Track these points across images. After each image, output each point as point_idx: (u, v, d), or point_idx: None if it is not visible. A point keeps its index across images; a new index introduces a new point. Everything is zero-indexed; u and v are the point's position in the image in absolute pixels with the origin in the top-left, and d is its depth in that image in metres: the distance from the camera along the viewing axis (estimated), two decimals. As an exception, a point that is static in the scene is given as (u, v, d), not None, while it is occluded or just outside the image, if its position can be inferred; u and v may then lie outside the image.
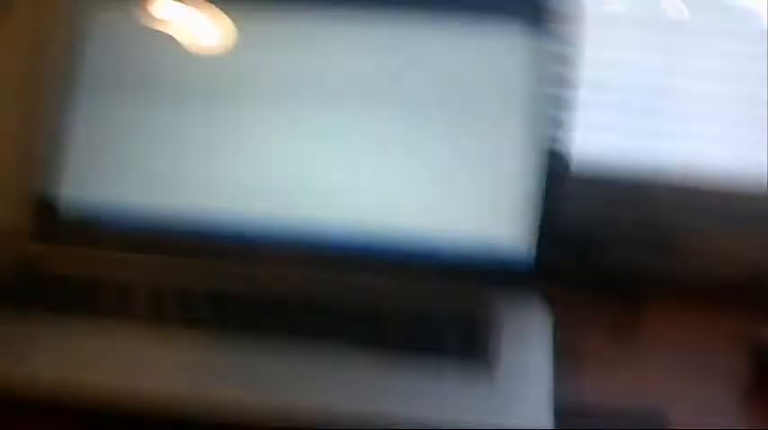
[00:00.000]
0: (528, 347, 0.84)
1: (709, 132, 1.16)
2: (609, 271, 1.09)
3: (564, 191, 0.96)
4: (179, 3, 1.03)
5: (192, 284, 0.93)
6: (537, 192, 0.94)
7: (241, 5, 1.02)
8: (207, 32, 1.01)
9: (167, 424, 0.75)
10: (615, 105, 1.17)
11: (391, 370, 0.79)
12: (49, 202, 1.00)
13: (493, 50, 0.97)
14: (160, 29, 1.02)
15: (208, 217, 0.97)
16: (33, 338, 0.83)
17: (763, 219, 1.14)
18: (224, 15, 1.02)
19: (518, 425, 0.72)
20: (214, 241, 0.97)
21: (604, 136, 1.15)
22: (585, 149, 1.12)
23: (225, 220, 0.97)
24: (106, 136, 1.01)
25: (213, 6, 1.02)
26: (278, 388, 0.76)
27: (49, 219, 1.00)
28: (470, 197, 0.95)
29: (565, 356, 0.86)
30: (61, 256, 0.96)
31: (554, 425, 0.72)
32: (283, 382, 0.77)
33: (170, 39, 1.02)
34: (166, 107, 1.00)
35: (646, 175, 1.15)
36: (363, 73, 0.99)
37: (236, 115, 0.99)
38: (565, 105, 0.98)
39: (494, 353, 0.81)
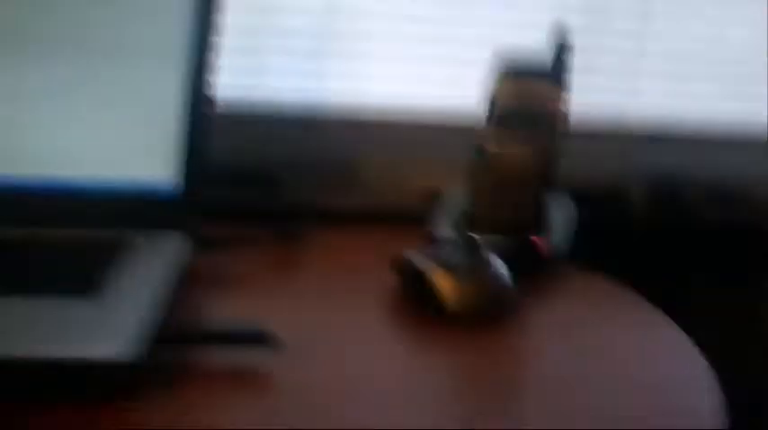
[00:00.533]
0: (148, 279, 0.84)
1: (375, 71, 1.26)
2: (272, 203, 1.17)
3: (213, 128, 1.00)
4: None
5: None
6: (186, 131, 0.97)
7: None
8: None
9: None
10: (277, 48, 1.24)
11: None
12: None
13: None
14: None
15: None
16: None
17: (432, 148, 1.23)
18: None
19: (85, 353, 0.70)
20: None
21: (261, 77, 1.24)
22: (239, 90, 1.22)
23: None
24: None
25: None
26: None
27: None
28: (118, 138, 0.97)
29: (209, 287, 0.91)
30: None
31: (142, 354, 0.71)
32: None
33: None
34: None
35: (312, 112, 1.24)
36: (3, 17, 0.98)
37: None
38: (214, 48, 1.00)
39: (108, 287, 0.81)
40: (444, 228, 1.03)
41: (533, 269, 0.99)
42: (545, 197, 1.03)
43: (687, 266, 1.31)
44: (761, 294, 1.33)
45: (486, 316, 0.87)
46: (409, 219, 1.07)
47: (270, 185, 1.21)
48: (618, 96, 1.30)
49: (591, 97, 1.27)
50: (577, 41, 1.03)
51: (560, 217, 1.06)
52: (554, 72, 1.02)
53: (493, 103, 1.02)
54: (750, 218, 1.30)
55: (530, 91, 1.01)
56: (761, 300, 1.33)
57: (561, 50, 1.02)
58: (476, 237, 0.95)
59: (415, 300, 0.90)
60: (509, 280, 0.90)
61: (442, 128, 1.24)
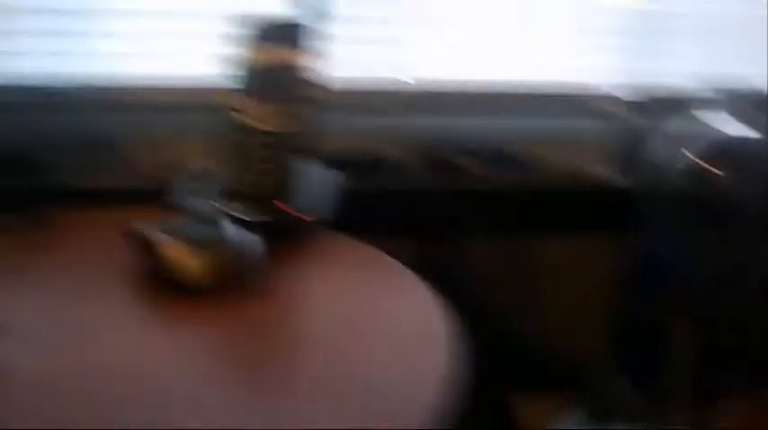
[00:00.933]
0: None
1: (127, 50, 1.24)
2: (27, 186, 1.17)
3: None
4: None
5: None
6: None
7: None
8: None
9: None
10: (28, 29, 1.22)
11: None
12: None
13: None
14: None
15: None
16: None
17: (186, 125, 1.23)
18: None
19: None
20: None
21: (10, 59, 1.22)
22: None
23: None
24: None
25: None
26: None
27: None
28: None
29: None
30: None
31: None
32: None
33: None
34: None
35: (65, 93, 1.22)
36: None
37: None
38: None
39: None
40: (189, 201, 1.00)
41: (286, 237, 0.98)
42: (297, 165, 1.02)
43: (462, 226, 1.34)
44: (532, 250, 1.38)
45: (223, 286, 0.86)
46: (165, 197, 1.04)
47: (25, 169, 1.18)
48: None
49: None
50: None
51: (318, 184, 1.05)
52: (305, 39, 1.00)
53: (241, 72, 1.00)
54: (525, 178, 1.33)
55: (278, 58, 0.99)
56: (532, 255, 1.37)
57: (313, 18, 1.01)
58: (216, 206, 0.95)
59: (158, 276, 0.88)
60: (250, 249, 0.89)
61: (196, 105, 1.20)
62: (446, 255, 1.35)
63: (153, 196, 1.05)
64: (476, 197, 1.31)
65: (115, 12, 1.22)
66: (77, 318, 0.81)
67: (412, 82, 1.30)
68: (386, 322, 0.84)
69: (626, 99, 1.31)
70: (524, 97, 1.35)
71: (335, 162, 1.12)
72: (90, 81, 1.22)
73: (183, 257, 0.85)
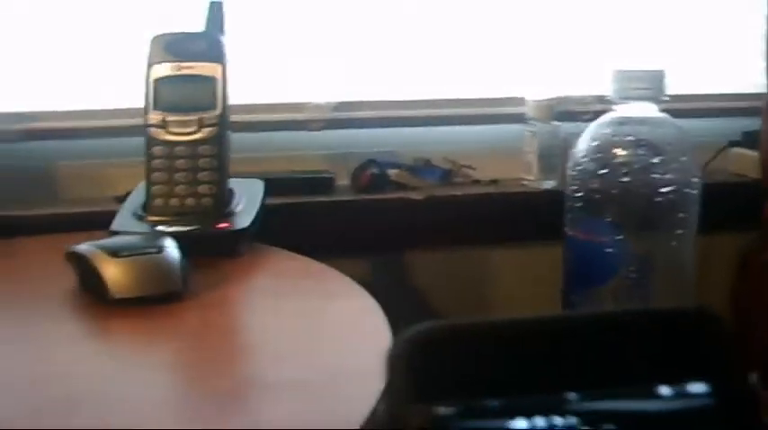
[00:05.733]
0: None
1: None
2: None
3: None
4: None
5: None
6: None
7: None
8: None
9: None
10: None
11: None
12: None
13: None
14: None
15: None
16: None
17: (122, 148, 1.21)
18: None
19: None
20: None
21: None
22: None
23: None
24: None
25: None
26: None
27: None
28: None
29: None
30: None
31: None
32: None
33: None
34: None
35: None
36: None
37: None
38: None
39: None
40: (124, 221, 1.01)
41: (220, 252, 0.99)
42: (225, 180, 1.02)
43: (399, 239, 1.34)
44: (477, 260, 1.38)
45: (156, 297, 0.85)
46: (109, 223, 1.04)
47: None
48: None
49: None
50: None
51: (244, 196, 1.05)
52: (214, 51, 1.02)
53: (155, 90, 1.01)
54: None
55: (191, 72, 1.01)
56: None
57: (220, 30, 1.03)
58: (146, 222, 0.97)
59: (90, 291, 0.88)
60: (181, 260, 0.88)
61: (118, 127, 1.23)
62: (392, 271, 1.36)
63: (86, 221, 1.06)
64: (409, 209, 1.31)
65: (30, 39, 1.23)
66: (11, 333, 0.81)
67: (332, 96, 1.32)
68: (323, 326, 0.84)
69: (549, 105, 1.34)
70: (448, 105, 1.38)
71: (260, 177, 1.12)
72: (19, 108, 1.23)
73: (112, 269, 0.85)
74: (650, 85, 0.89)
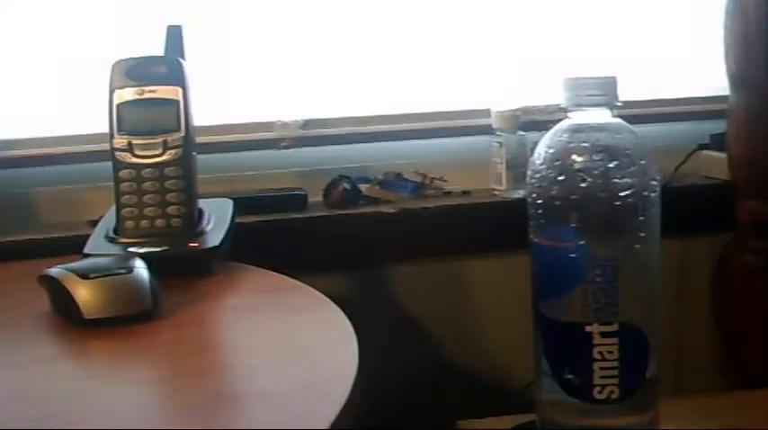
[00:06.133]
0: None
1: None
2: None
3: None
4: None
5: None
6: None
7: None
8: None
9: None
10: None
11: None
12: None
13: None
14: None
15: None
16: None
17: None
18: None
19: None
20: None
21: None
22: None
23: None
24: None
25: None
26: None
27: None
28: None
29: None
30: None
31: None
32: None
33: None
34: None
35: None
36: None
37: None
38: None
39: None
40: (96, 244, 1.03)
41: (192, 271, 1.00)
42: (193, 200, 1.04)
43: (375, 253, 1.36)
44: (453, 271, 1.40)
45: (124, 320, 0.87)
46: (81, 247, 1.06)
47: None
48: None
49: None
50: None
51: (213, 215, 1.07)
52: (175, 74, 1.03)
53: (118, 115, 1.03)
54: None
55: (153, 96, 1.02)
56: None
57: (180, 54, 1.05)
58: (122, 246, 0.98)
59: (62, 313, 0.89)
60: (152, 280, 0.89)
61: (87, 152, 1.26)
62: (367, 285, 1.37)
63: (62, 246, 1.08)
64: (382, 222, 1.33)
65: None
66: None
67: (300, 113, 1.34)
68: (292, 339, 0.85)
69: (514, 115, 1.36)
70: (417, 119, 1.40)
71: (232, 197, 1.14)
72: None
73: (83, 291, 0.86)
74: (603, 91, 0.90)
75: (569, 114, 0.92)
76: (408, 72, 1.38)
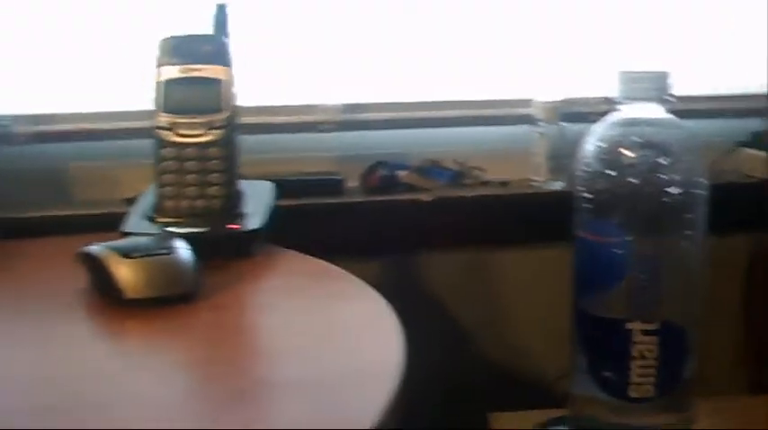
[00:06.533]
0: None
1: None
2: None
3: None
4: None
5: None
6: None
7: None
8: None
9: None
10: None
11: None
12: None
13: None
14: None
15: None
16: None
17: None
18: None
19: None
20: None
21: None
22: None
23: None
24: None
25: None
26: None
27: None
28: None
29: None
30: None
31: None
32: None
33: None
34: None
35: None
36: None
37: None
38: None
39: None
40: (135, 223, 1.02)
41: (231, 253, 1.00)
42: (234, 182, 1.03)
43: (413, 240, 1.35)
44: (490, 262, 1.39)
45: (165, 300, 0.86)
46: (119, 224, 1.05)
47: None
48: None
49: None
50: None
51: (254, 197, 1.06)
52: (221, 54, 1.02)
53: (163, 93, 1.02)
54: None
55: (199, 75, 1.01)
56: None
57: (225, 33, 1.03)
58: (158, 224, 0.98)
59: (102, 291, 0.88)
60: (193, 261, 0.89)
61: (128, 129, 1.26)
62: (402, 272, 1.36)
63: (97, 222, 1.06)
64: (418, 210, 1.32)
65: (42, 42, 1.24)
66: (24, 332, 0.81)
67: (342, 98, 1.33)
68: (336, 326, 0.84)
69: (556, 106, 1.35)
70: (457, 107, 1.38)
71: (270, 179, 1.14)
72: (29, 111, 1.24)
73: (124, 270, 0.86)
74: (655, 85, 0.89)
75: (621, 107, 0.91)
76: (449, 59, 1.36)
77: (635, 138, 0.89)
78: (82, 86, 1.26)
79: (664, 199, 0.88)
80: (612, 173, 0.88)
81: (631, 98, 0.90)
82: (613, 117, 0.91)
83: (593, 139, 0.91)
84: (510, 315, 1.41)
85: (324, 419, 0.65)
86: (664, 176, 0.88)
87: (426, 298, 1.37)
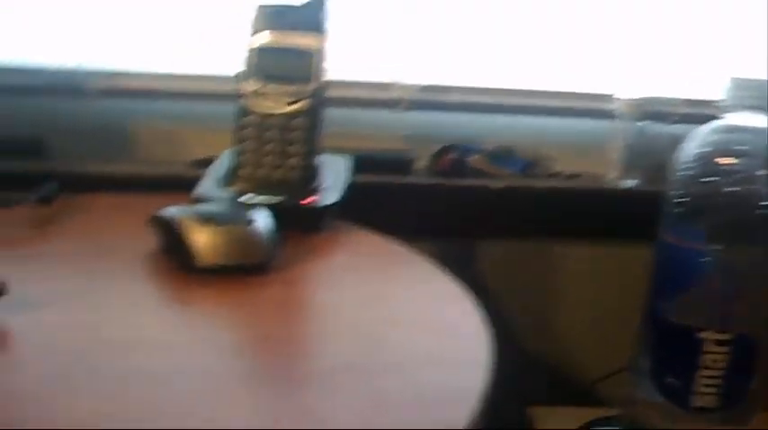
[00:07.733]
0: None
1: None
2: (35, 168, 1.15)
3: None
4: None
5: None
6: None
7: None
8: None
9: None
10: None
11: None
12: None
13: None
14: None
15: None
16: None
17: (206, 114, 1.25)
18: None
19: None
20: None
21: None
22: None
23: None
24: None
25: None
26: None
27: None
28: None
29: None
30: None
31: None
32: None
33: None
34: None
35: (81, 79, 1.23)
36: None
37: None
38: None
39: None
40: (209, 188, 1.01)
41: (304, 227, 0.98)
42: (314, 155, 1.01)
43: (474, 225, 1.33)
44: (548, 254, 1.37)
45: (240, 267, 0.85)
46: (184, 186, 1.03)
47: (34, 152, 1.18)
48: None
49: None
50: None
51: (331, 172, 1.05)
52: (316, 24, 1.00)
53: (254, 59, 1.00)
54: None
55: (292, 44, 1.00)
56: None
57: (321, 3, 1.01)
58: (232, 191, 0.97)
59: (173, 256, 0.87)
60: (267, 231, 0.88)
61: (210, 92, 1.23)
62: (458, 256, 1.34)
63: (171, 183, 1.05)
64: (487, 197, 1.30)
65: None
66: (85, 292, 0.80)
67: (417, 77, 1.31)
68: (408, 307, 0.82)
69: (638, 104, 1.33)
70: (535, 96, 1.35)
71: (344, 154, 1.12)
72: (103, 66, 1.22)
73: (201, 237, 0.84)
74: (764, 94, 0.87)
75: (725, 114, 0.89)
76: (531, 47, 1.34)
77: (736, 147, 0.87)
78: (163, 45, 1.25)
79: (756, 211, 0.86)
80: (710, 179, 0.86)
81: (739, 105, 0.88)
82: (716, 123, 0.89)
83: (694, 143, 0.89)
84: (561, 310, 1.40)
85: (407, 405, 0.64)
86: (760, 188, 0.86)
87: (484, 286, 1.34)
